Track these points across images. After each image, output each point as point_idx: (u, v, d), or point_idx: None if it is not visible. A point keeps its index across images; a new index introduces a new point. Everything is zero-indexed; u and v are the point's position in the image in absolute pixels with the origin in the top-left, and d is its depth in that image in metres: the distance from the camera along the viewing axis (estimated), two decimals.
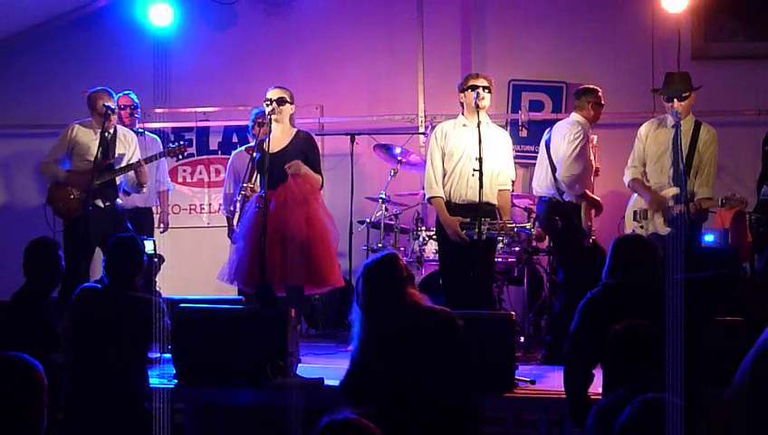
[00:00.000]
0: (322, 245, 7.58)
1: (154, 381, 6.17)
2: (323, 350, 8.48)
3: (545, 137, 8.23)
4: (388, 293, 5.13)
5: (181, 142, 8.71)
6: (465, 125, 7.69)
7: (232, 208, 8.78)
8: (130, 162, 8.30)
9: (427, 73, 10.23)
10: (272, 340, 6.54)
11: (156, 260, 6.04)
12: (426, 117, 10.21)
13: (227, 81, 10.61)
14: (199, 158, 10.70)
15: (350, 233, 9.01)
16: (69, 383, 5.76)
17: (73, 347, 5.83)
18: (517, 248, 8.53)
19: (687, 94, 7.63)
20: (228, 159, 9.74)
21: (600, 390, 5.33)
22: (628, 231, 7.83)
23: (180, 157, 9.15)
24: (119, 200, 8.37)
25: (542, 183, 8.17)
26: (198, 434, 6.60)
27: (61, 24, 10.86)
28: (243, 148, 9.16)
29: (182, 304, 6.74)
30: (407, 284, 5.18)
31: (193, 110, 10.59)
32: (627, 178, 7.92)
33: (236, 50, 10.71)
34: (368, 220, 9.19)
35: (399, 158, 9.22)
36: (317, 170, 7.70)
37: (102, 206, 8.13)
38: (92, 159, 8.13)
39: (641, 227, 7.71)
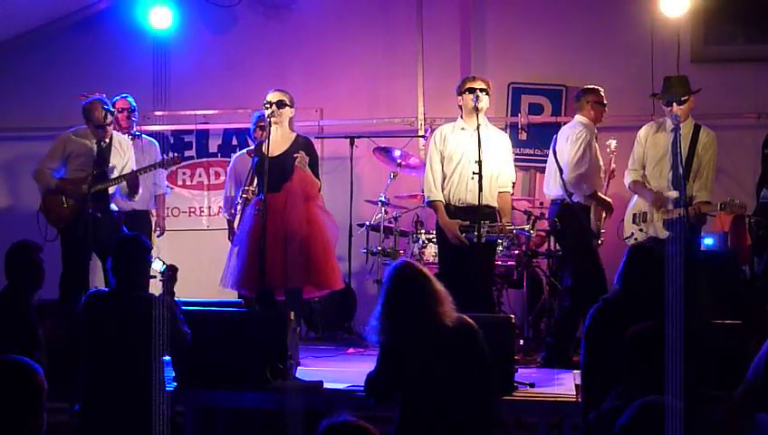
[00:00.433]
0: (322, 247, 7.59)
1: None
2: (323, 353, 8.48)
3: (552, 143, 8.26)
4: (411, 305, 5.10)
5: (175, 154, 8.70)
6: (463, 128, 7.69)
7: (233, 211, 8.78)
8: (123, 173, 8.28)
9: (426, 76, 10.23)
10: (271, 343, 6.53)
11: (170, 273, 5.96)
12: (425, 120, 10.21)
13: (227, 83, 10.61)
14: (199, 160, 10.70)
15: (350, 236, 9.02)
16: (85, 390, 5.71)
17: (87, 354, 5.76)
18: (517, 251, 8.54)
19: (686, 98, 7.65)
20: (228, 161, 9.76)
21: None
22: (627, 234, 7.84)
23: (173, 168, 9.16)
24: (113, 207, 8.37)
25: (551, 187, 8.22)
26: None
27: (61, 27, 10.86)
28: (244, 151, 9.16)
29: (182, 307, 6.73)
30: (429, 294, 5.14)
31: (193, 112, 10.60)
32: (627, 181, 7.94)
33: (236, 53, 10.71)
34: (367, 223, 9.19)
35: (399, 161, 9.22)
36: (316, 175, 7.71)
37: (97, 215, 8.11)
38: (88, 168, 8.12)
39: (641, 229, 7.71)
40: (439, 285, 5.20)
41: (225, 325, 6.65)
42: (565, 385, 6.56)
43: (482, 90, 7.60)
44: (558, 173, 8.03)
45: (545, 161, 9.40)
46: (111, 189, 8.31)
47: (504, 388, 6.28)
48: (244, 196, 8.15)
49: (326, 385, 6.49)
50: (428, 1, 10.32)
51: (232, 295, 8.36)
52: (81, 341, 5.78)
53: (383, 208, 9.06)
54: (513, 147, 8.09)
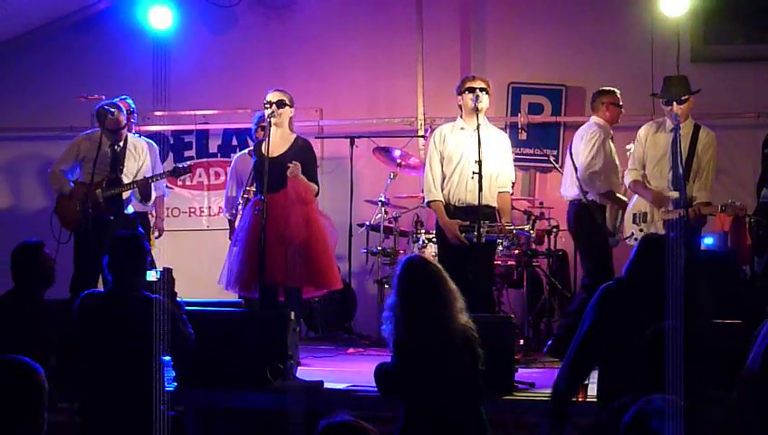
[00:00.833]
0: (321, 247, 7.60)
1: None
2: (323, 353, 8.49)
3: (569, 145, 8.47)
4: (424, 300, 5.12)
5: (188, 164, 8.68)
6: (463, 128, 7.69)
7: (234, 211, 8.78)
8: (136, 180, 8.30)
9: (426, 76, 10.23)
10: (271, 343, 6.54)
11: (166, 276, 5.92)
12: (425, 120, 10.21)
13: (227, 83, 10.60)
14: (199, 161, 10.69)
15: (350, 236, 9.02)
16: (84, 391, 5.69)
17: (84, 356, 5.73)
18: (517, 251, 8.54)
19: (686, 98, 7.64)
20: (228, 161, 9.76)
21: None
22: (627, 234, 7.83)
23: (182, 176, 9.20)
24: (130, 208, 8.39)
25: (568, 187, 8.35)
26: None
27: (61, 27, 10.86)
28: (245, 151, 9.16)
29: (184, 308, 6.73)
30: (444, 291, 5.16)
31: (192, 112, 10.60)
32: (627, 181, 7.95)
33: (236, 53, 10.71)
34: (367, 223, 9.19)
35: (399, 160, 9.22)
36: (313, 179, 7.71)
37: (111, 218, 8.12)
38: (102, 172, 8.14)
39: (641, 230, 7.71)
40: (452, 284, 5.21)
41: (226, 325, 6.65)
42: None
43: (482, 89, 7.60)
44: (574, 173, 8.12)
45: (545, 161, 9.45)
46: (126, 194, 8.32)
47: (505, 388, 6.29)
48: (245, 196, 8.15)
49: (326, 385, 6.50)
50: (428, 1, 10.32)
51: (232, 295, 8.36)
52: (76, 342, 5.75)
53: (383, 208, 9.06)
54: (512, 147, 8.10)
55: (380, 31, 10.56)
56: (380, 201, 9.05)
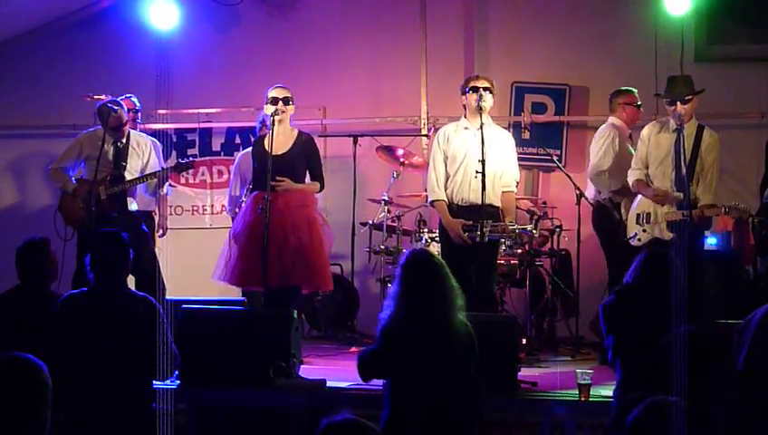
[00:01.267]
0: (318, 248, 7.62)
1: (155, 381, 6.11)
2: (325, 351, 8.50)
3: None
4: (426, 291, 5.15)
5: (191, 159, 8.67)
6: (466, 128, 7.69)
7: (237, 210, 8.77)
8: (144, 174, 8.32)
9: (429, 75, 10.23)
10: (274, 341, 6.54)
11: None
12: (428, 119, 10.21)
13: (230, 82, 10.60)
14: (202, 159, 10.68)
15: (353, 235, 9.02)
16: (69, 393, 5.64)
17: (69, 356, 5.67)
18: (520, 251, 8.53)
19: (690, 97, 7.63)
20: (231, 160, 9.76)
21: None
22: (630, 234, 7.82)
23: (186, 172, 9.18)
24: (133, 206, 8.39)
25: (588, 188, 8.54)
26: None
27: (63, 26, 10.86)
28: (249, 149, 9.16)
29: (185, 306, 6.74)
30: (443, 285, 5.19)
31: (196, 111, 10.60)
32: (630, 180, 7.94)
33: (239, 51, 10.71)
34: (370, 222, 9.19)
35: (402, 159, 9.22)
36: (318, 173, 7.73)
37: (115, 215, 8.14)
38: (105, 169, 8.16)
39: (644, 230, 7.70)
40: (454, 282, 5.24)
41: (228, 324, 6.66)
42: (568, 384, 6.55)
43: (485, 89, 7.60)
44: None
45: (548, 161, 9.44)
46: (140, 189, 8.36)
47: (508, 387, 6.29)
48: (249, 194, 8.17)
49: (329, 383, 6.50)
50: (432, 0, 10.31)
51: (235, 293, 8.37)
52: (55, 345, 5.68)
53: (386, 207, 9.06)
54: (516, 146, 8.09)
55: (384, 30, 10.56)
56: (383, 200, 9.04)
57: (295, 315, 6.77)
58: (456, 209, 7.62)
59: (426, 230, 8.82)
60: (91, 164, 8.19)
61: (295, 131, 7.76)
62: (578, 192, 8.45)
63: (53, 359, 3.92)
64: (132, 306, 5.53)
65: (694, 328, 4.64)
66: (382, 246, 9.05)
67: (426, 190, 8.04)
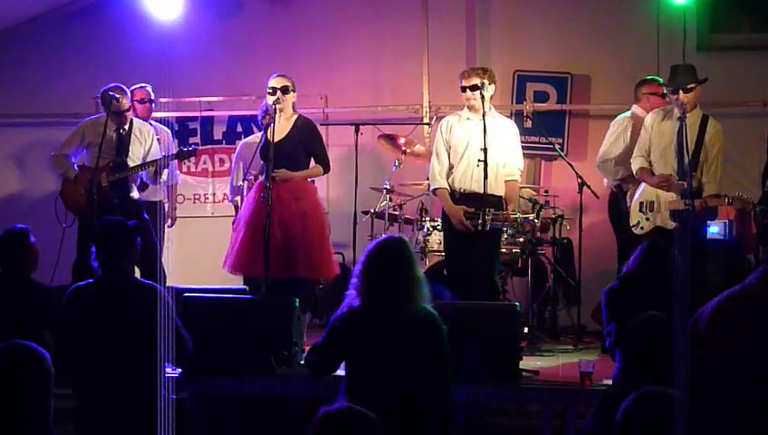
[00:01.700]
0: (317, 237, 7.63)
1: None
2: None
3: None
4: (391, 277, 5.10)
5: (193, 147, 8.67)
6: (469, 118, 7.68)
7: (239, 198, 8.79)
8: (146, 161, 8.33)
9: (431, 64, 10.22)
10: (276, 330, 6.55)
11: None
12: (430, 107, 10.21)
13: (232, 70, 10.59)
14: (203, 147, 10.67)
15: (355, 223, 9.00)
16: (77, 385, 5.59)
17: (76, 348, 5.61)
18: (521, 239, 8.53)
19: (693, 86, 7.62)
20: (233, 148, 9.77)
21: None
22: (633, 222, 7.81)
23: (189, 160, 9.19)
24: (134, 194, 8.39)
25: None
26: (202, 424, 6.60)
27: (65, 14, 10.85)
28: (251, 137, 9.17)
29: (186, 294, 6.74)
30: (410, 272, 5.14)
31: (197, 99, 10.60)
32: (634, 168, 7.93)
33: (241, 39, 10.69)
34: (372, 211, 9.18)
35: (404, 148, 9.21)
36: (320, 156, 7.77)
37: (115, 202, 8.16)
38: (108, 156, 8.16)
39: (647, 219, 7.70)
40: (420, 272, 5.21)
41: (230, 312, 6.66)
42: (570, 373, 6.56)
43: (473, 87, 7.55)
44: None
45: (550, 149, 9.43)
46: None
47: (510, 375, 6.30)
48: (246, 180, 8.19)
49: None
50: None
51: (236, 282, 8.37)
52: (64, 337, 5.66)
53: (388, 196, 9.05)
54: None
55: (386, 18, 10.55)
56: (385, 189, 9.04)
57: (297, 304, 6.77)
58: (458, 198, 7.62)
59: (427, 219, 8.82)
60: (94, 151, 8.20)
61: (294, 117, 7.77)
62: (580, 181, 8.45)
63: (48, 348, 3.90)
64: (140, 295, 5.48)
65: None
66: (384, 235, 9.03)
67: (428, 179, 8.03)
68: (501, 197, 7.64)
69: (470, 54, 10.21)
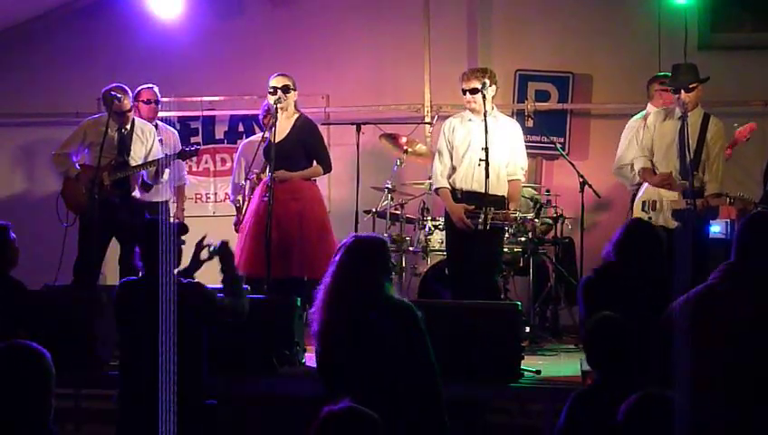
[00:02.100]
0: (316, 235, 7.65)
1: None
2: None
3: None
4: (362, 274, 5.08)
5: (195, 146, 8.67)
6: (471, 120, 7.70)
7: (240, 198, 8.79)
8: (147, 161, 8.33)
9: (433, 63, 10.22)
10: (278, 329, 6.55)
11: (224, 249, 5.91)
12: (432, 107, 10.21)
13: (233, 70, 10.59)
14: (205, 147, 10.66)
15: (356, 223, 8.99)
16: (121, 383, 5.66)
17: (122, 344, 5.71)
18: (523, 238, 8.53)
19: (695, 85, 7.62)
20: (234, 148, 9.78)
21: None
22: None
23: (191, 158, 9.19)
24: (136, 193, 8.39)
25: None
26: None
27: (67, 13, 10.85)
28: (253, 137, 9.18)
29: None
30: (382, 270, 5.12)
31: (199, 99, 10.60)
32: (636, 167, 7.92)
33: (243, 39, 10.69)
34: (373, 210, 9.17)
35: (405, 147, 9.21)
36: (320, 155, 7.79)
37: (116, 201, 8.16)
38: (109, 155, 8.16)
39: (649, 218, 7.69)
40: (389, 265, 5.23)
41: None
42: (571, 372, 6.56)
43: (473, 91, 7.56)
44: None
45: (552, 148, 9.42)
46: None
47: (511, 375, 6.30)
48: (249, 179, 8.20)
49: None
50: None
51: None
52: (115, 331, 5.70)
53: (389, 195, 9.05)
54: None
55: (387, 17, 10.55)
56: (387, 188, 9.04)
57: (299, 303, 6.77)
58: (460, 197, 7.63)
59: (429, 218, 8.82)
60: (95, 150, 8.20)
61: (294, 117, 7.78)
62: (581, 180, 8.44)
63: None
64: (182, 295, 5.43)
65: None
66: (385, 234, 9.04)
67: (429, 178, 8.04)
68: (503, 196, 7.65)
69: (471, 54, 10.21)
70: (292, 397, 6.27)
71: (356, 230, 8.82)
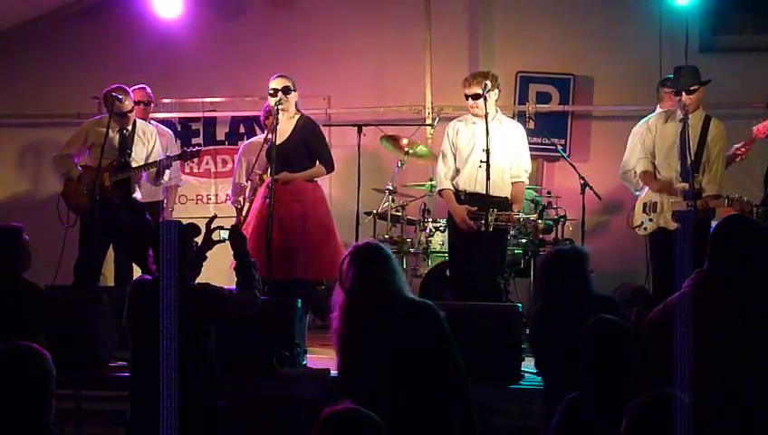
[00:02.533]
0: (321, 236, 7.65)
1: None
2: (329, 340, 8.46)
3: None
4: (374, 278, 5.07)
5: (196, 148, 8.68)
6: (474, 123, 7.71)
7: (241, 199, 8.79)
8: (148, 162, 8.32)
9: (434, 65, 10.22)
10: (278, 330, 6.55)
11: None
12: (433, 108, 10.21)
13: (234, 71, 10.60)
14: (206, 148, 10.66)
15: (357, 224, 9.00)
16: (131, 382, 5.66)
17: (131, 344, 5.68)
18: (524, 240, 8.53)
19: (696, 87, 7.62)
20: (236, 149, 9.78)
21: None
22: (636, 223, 7.80)
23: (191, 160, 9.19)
24: (137, 195, 8.39)
25: None
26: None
27: (68, 14, 10.85)
28: (254, 138, 9.18)
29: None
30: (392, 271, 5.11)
31: (200, 100, 10.60)
32: (638, 170, 7.92)
33: (244, 40, 10.69)
34: (375, 212, 9.18)
35: (406, 149, 9.21)
36: (322, 155, 7.80)
37: (117, 202, 8.16)
38: (110, 156, 8.15)
39: (650, 219, 7.70)
40: (399, 267, 5.17)
41: None
42: None
43: (475, 96, 7.57)
44: None
45: (553, 150, 9.43)
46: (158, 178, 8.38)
47: (511, 376, 6.30)
48: (250, 180, 8.22)
49: (333, 373, 6.50)
50: None
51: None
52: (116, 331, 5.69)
53: (390, 197, 9.06)
54: None
55: (388, 19, 10.56)
56: (388, 189, 9.04)
57: (299, 304, 6.78)
58: (463, 198, 7.65)
59: (430, 220, 8.83)
60: (96, 151, 8.19)
61: (295, 118, 7.80)
62: (582, 182, 8.45)
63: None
64: (191, 298, 5.39)
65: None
66: (386, 236, 9.04)
67: (431, 180, 8.05)
68: (506, 198, 7.66)
69: (473, 55, 10.22)
70: (292, 398, 6.27)
71: (357, 231, 8.84)
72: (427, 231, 8.78)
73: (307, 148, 7.80)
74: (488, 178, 7.27)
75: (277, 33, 10.66)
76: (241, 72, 10.54)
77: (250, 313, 5.77)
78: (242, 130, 10.69)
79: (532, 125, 9.37)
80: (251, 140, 9.34)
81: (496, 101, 7.71)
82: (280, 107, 7.56)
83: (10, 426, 3.47)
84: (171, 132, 9.28)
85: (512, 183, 7.72)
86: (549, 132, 9.48)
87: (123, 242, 8.19)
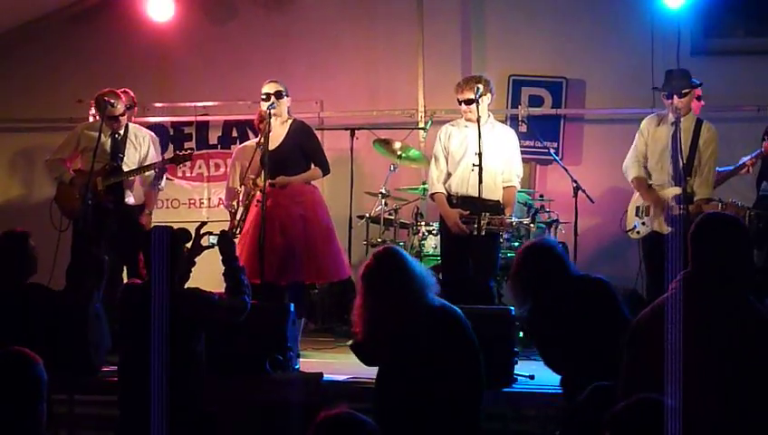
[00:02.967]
0: (321, 238, 7.65)
1: None
2: (323, 344, 8.49)
3: None
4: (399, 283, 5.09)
5: (189, 151, 8.66)
6: (467, 126, 7.72)
7: (234, 203, 8.77)
8: (141, 166, 8.31)
9: (426, 68, 10.23)
10: (271, 334, 6.54)
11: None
12: (425, 112, 10.21)
13: (227, 75, 10.59)
14: (199, 152, 10.64)
15: (350, 228, 9.00)
16: (120, 386, 5.66)
17: (121, 348, 5.71)
18: (517, 244, 8.53)
19: (687, 91, 7.64)
20: (228, 153, 9.77)
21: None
22: (629, 226, 7.82)
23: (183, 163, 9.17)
24: (130, 199, 8.37)
25: None
26: None
27: (61, 18, 10.85)
28: (247, 142, 9.17)
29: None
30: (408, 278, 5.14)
31: (192, 104, 10.59)
32: (630, 175, 7.91)
33: (236, 44, 10.70)
34: (367, 215, 9.18)
35: (399, 152, 9.21)
36: (317, 158, 7.80)
37: (111, 207, 8.14)
38: (102, 160, 8.13)
39: (643, 223, 7.71)
40: (421, 269, 5.21)
41: None
42: None
43: (468, 101, 7.58)
44: None
45: (545, 153, 9.44)
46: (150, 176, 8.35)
47: (504, 380, 6.30)
48: (243, 185, 8.21)
49: (326, 377, 6.50)
50: None
51: None
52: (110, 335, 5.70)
53: (383, 200, 9.06)
54: None
55: (381, 22, 10.57)
56: (381, 193, 9.04)
57: (292, 308, 6.77)
58: (455, 202, 7.65)
59: (423, 223, 8.83)
60: (88, 155, 8.16)
61: (288, 122, 7.80)
62: (575, 185, 8.46)
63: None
64: (180, 304, 5.42)
65: None
66: (379, 239, 9.04)
67: (423, 183, 8.05)
68: (498, 202, 7.67)
69: (465, 59, 10.22)
70: (285, 402, 6.26)
71: (349, 235, 8.85)
72: (420, 234, 8.78)
73: (302, 151, 7.81)
74: (480, 182, 7.28)
75: (269, 37, 10.67)
76: (233, 75, 10.53)
77: (239, 318, 5.77)
78: (234, 133, 10.67)
79: (524, 128, 9.38)
80: (244, 144, 9.34)
81: (489, 105, 7.72)
82: (272, 111, 7.56)
83: (2, 431, 3.46)
84: (152, 134, 9.16)
85: (503, 187, 7.72)
86: (541, 135, 9.49)
87: (115, 246, 8.16)
